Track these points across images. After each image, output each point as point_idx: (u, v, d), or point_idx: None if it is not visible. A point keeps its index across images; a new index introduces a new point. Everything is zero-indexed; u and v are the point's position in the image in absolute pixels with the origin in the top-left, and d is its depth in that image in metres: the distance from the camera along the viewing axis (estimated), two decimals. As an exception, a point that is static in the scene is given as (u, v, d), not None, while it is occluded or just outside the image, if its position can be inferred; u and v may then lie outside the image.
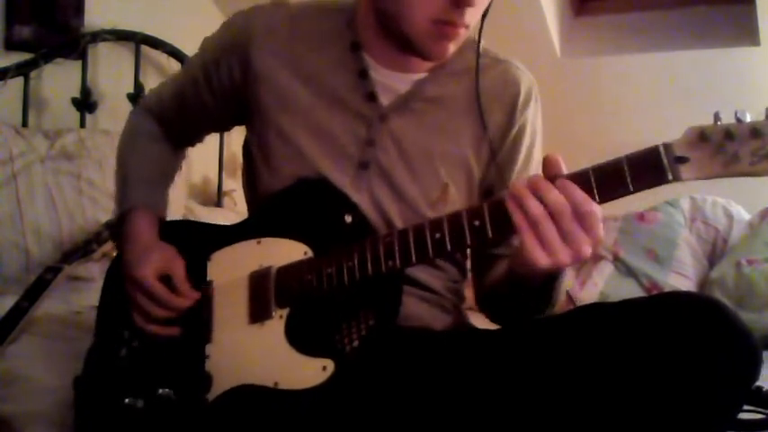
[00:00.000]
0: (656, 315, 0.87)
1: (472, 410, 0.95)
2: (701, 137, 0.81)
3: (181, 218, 2.11)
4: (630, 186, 0.84)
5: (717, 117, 0.82)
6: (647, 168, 0.83)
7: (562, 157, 0.88)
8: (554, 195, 0.85)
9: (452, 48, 1.07)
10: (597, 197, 0.85)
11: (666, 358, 0.83)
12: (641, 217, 2.40)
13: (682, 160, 0.81)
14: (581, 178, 0.86)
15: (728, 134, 0.80)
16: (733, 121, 0.80)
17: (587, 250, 0.85)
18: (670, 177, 0.82)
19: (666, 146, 0.82)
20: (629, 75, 2.65)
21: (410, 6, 1.03)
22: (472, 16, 1.04)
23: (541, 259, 0.86)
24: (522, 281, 0.98)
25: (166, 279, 1.16)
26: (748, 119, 0.80)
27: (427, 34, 1.04)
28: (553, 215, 0.85)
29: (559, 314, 1.00)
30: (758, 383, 0.96)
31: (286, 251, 1.07)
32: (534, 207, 0.85)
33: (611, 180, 0.84)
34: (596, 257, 2.35)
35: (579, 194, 0.85)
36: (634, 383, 0.84)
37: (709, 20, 2.56)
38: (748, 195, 2.34)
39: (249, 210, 1.28)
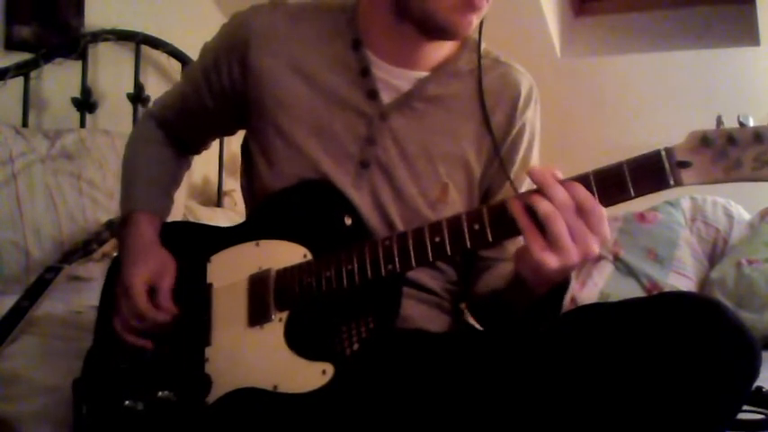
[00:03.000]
0: (655, 315, 0.87)
1: (473, 412, 0.95)
2: (704, 141, 0.81)
3: (181, 218, 2.12)
4: (632, 191, 0.84)
5: (719, 121, 0.81)
6: (649, 173, 0.83)
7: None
8: (560, 191, 0.85)
9: (475, 21, 1.06)
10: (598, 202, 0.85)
11: (666, 358, 0.83)
12: (641, 217, 2.39)
13: (683, 165, 0.81)
14: (582, 182, 0.86)
15: (731, 139, 0.79)
16: (735, 125, 0.80)
17: (595, 248, 0.85)
18: (672, 182, 0.82)
19: (668, 150, 0.82)
20: (629, 75, 2.65)
21: None
22: None
23: (550, 260, 0.86)
24: (530, 290, 0.96)
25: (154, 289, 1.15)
26: (751, 123, 0.79)
27: (453, 7, 1.04)
28: (560, 211, 0.85)
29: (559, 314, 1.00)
30: (758, 383, 0.95)
31: (285, 253, 1.07)
32: (545, 206, 0.85)
33: (612, 185, 0.84)
34: (596, 257, 2.35)
35: (582, 191, 0.85)
36: (634, 384, 0.84)
37: (710, 20, 2.55)
38: (748, 195, 2.33)
39: (247, 211, 1.28)
